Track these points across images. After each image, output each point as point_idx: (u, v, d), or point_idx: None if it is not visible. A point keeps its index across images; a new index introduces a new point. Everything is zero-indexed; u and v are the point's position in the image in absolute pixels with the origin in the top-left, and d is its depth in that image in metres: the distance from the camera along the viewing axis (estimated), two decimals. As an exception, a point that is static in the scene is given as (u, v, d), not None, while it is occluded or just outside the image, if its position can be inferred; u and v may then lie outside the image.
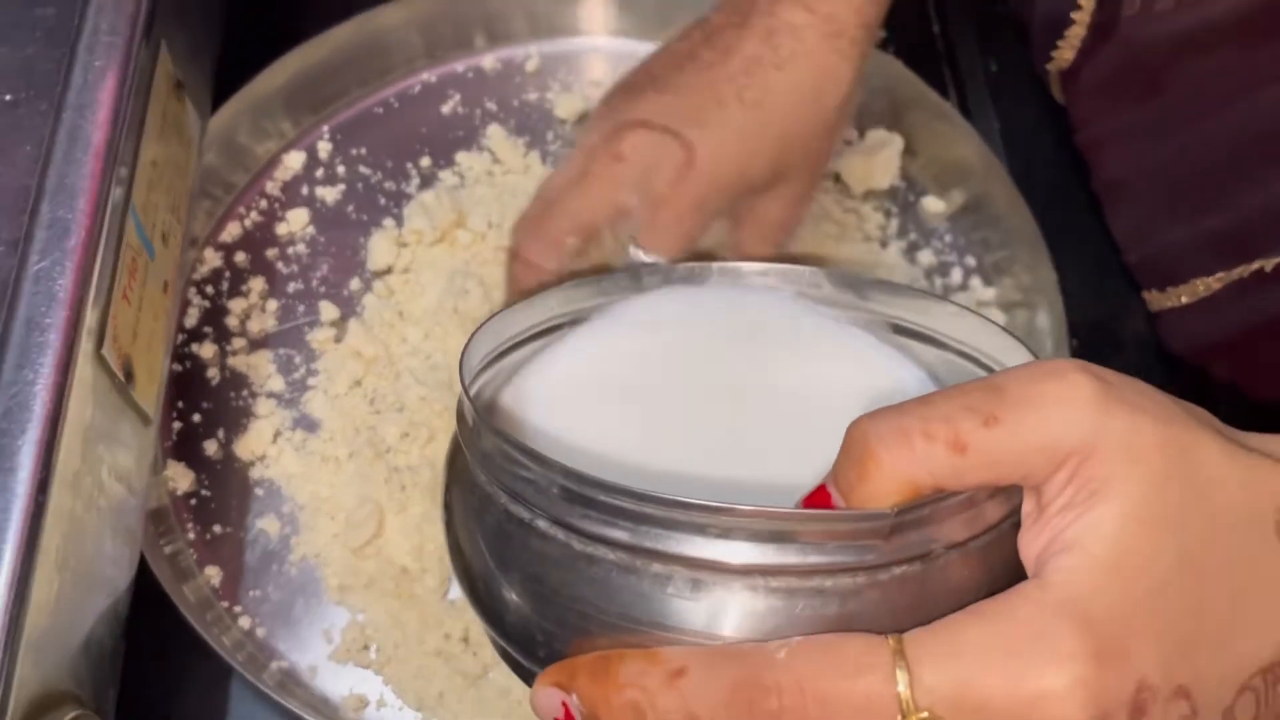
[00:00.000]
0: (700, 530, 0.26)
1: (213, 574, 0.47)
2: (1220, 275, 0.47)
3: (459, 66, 0.61)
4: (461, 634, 0.45)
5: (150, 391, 0.43)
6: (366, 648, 0.46)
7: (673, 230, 0.42)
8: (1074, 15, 0.49)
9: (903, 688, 0.24)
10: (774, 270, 0.38)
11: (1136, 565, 0.25)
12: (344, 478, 0.48)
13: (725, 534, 0.26)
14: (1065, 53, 0.50)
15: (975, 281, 0.54)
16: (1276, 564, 0.26)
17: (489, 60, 0.61)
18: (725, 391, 0.36)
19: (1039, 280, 0.52)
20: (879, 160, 0.55)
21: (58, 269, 0.38)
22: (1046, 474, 0.26)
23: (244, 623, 0.46)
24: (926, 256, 0.55)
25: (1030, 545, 0.27)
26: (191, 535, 0.48)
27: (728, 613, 0.26)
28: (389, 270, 0.53)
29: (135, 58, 0.43)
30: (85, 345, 0.38)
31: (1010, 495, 0.28)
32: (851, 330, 0.37)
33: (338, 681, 0.45)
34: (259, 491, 0.49)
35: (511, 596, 0.29)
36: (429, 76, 0.60)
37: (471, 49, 0.61)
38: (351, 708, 0.45)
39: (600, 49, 0.61)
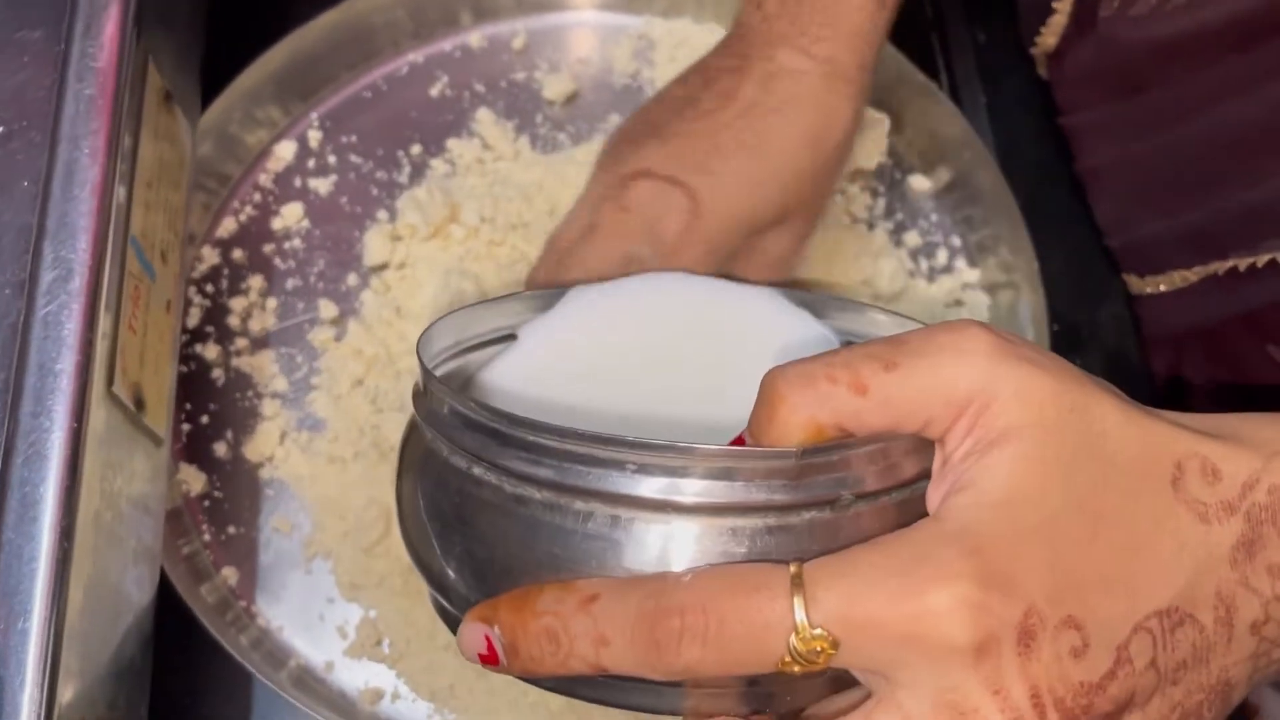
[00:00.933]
0: (617, 466, 0.28)
1: (229, 574, 0.49)
2: (1197, 269, 0.48)
3: (446, 45, 0.60)
4: (469, 628, 0.47)
5: (160, 412, 0.45)
6: (379, 643, 0.48)
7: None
8: (1056, 5, 0.49)
9: (798, 605, 0.26)
10: None
11: (1027, 501, 0.26)
12: (350, 478, 0.50)
13: (640, 469, 0.28)
14: (1048, 38, 0.51)
15: (960, 263, 0.55)
16: (1175, 517, 0.27)
17: (475, 38, 0.60)
18: (668, 365, 0.38)
19: (1020, 262, 0.53)
20: (867, 140, 0.56)
21: (65, 312, 0.39)
22: (946, 422, 0.27)
23: (262, 621, 0.49)
24: (913, 238, 0.56)
25: (934, 494, 0.28)
26: (207, 536, 0.50)
27: (643, 549, 0.28)
28: (385, 266, 0.54)
29: (125, 81, 0.44)
30: (97, 386, 0.39)
31: (923, 456, 0.29)
32: (785, 305, 0.40)
33: (354, 676, 0.48)
34: (270, 492, 0.51)
35: (450, 548, 0.32)
36: (416, 57, 0.60)
37: (458, 26, 0.61)
38: (368, 701, 0.47)
39: (587, 23, 0.61)
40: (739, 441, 0.30)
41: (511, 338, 0.41)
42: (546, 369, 0.39)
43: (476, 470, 0.31)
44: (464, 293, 0.52)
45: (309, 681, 0.48)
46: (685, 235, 0.41)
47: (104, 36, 0.44)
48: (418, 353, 0.35)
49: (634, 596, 0.27)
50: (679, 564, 0.28)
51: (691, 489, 0.28)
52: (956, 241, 0.56)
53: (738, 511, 0.28)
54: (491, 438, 0.30)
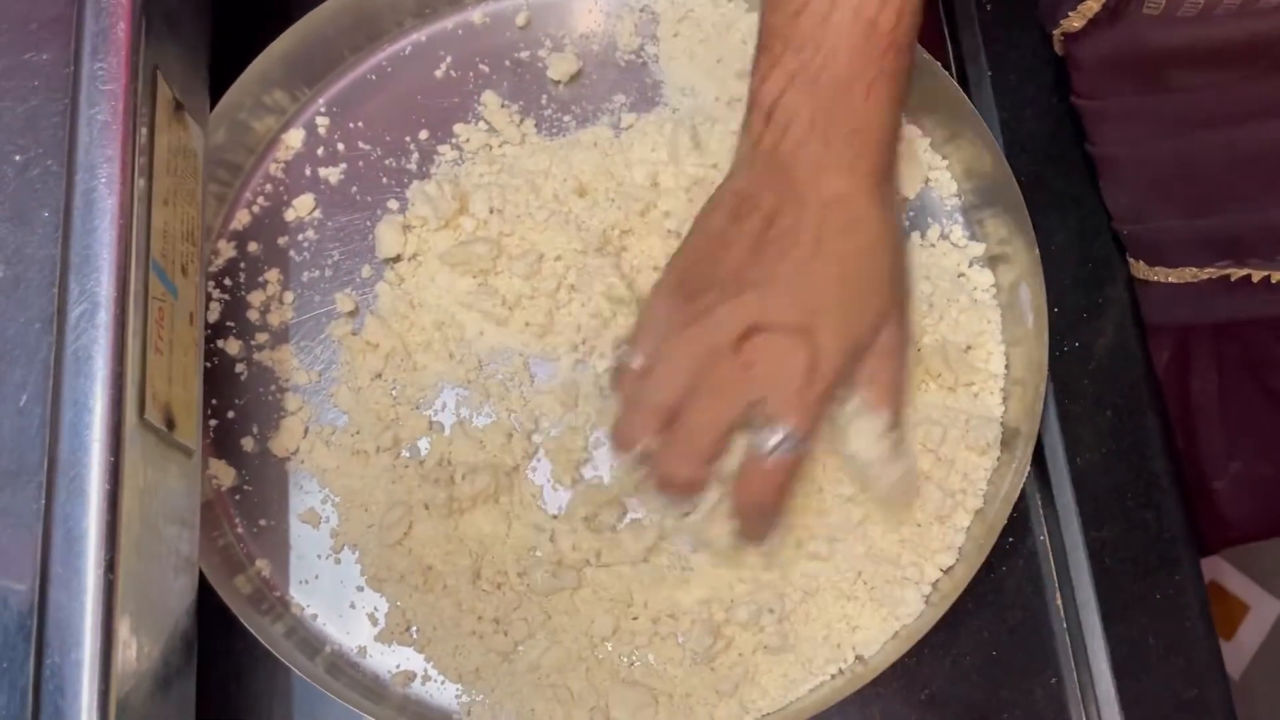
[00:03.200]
0: None
1: (263, 565, 0.52)
2: (1210, 271, 0.49)
3: (449, 23, 0.60)
4: (493, 615, 0.50)
5: (190, 425, 0.46)
6: (408, 629, 0.50)
7: (813, 412, 0.44)
8: None
9: None
10: None
11: None
12: (373, 472, 0.52)
13: None
14: (1074, 22, 0.50)
15: (962, 236, 0.56)
16: None
17: (478, 15, 0.60)
18: None
19: (1020, 246, 0.53)
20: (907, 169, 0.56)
21: (95, 347, 0.41)
22: None
23: (295, 610, 0.51)
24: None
25: None
26: (240, 529, 0.52)
27: None
28: (398, 258, 0.55)
29: (135, 100, 0.44)
30: (130, 416, 0.40)
31: None
32: None
33: (385, 660, 0.50)
34: (297, 484, 0.53)
35: None
36: (420, 36, 0.60)
37: (461, 3, 0.60)
38: (400, 683, 0.50)
39: (590, -5, 0.61)
40: None
41: None
42: None
43: None
44: (474, 286, 0.53)
45: (343, 666, 0.50)
46: (810, 378, 0.43)
47: (112, 55, 0.45)
48: None
49: None
50: None
51: None
52: (959, 217, 0.56)
53: None
54: None
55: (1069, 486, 0.51)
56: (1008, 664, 0.50)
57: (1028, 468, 0.50)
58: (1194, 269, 0.50)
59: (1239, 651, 1.03)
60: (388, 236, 0.55)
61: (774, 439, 0.44)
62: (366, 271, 0.56)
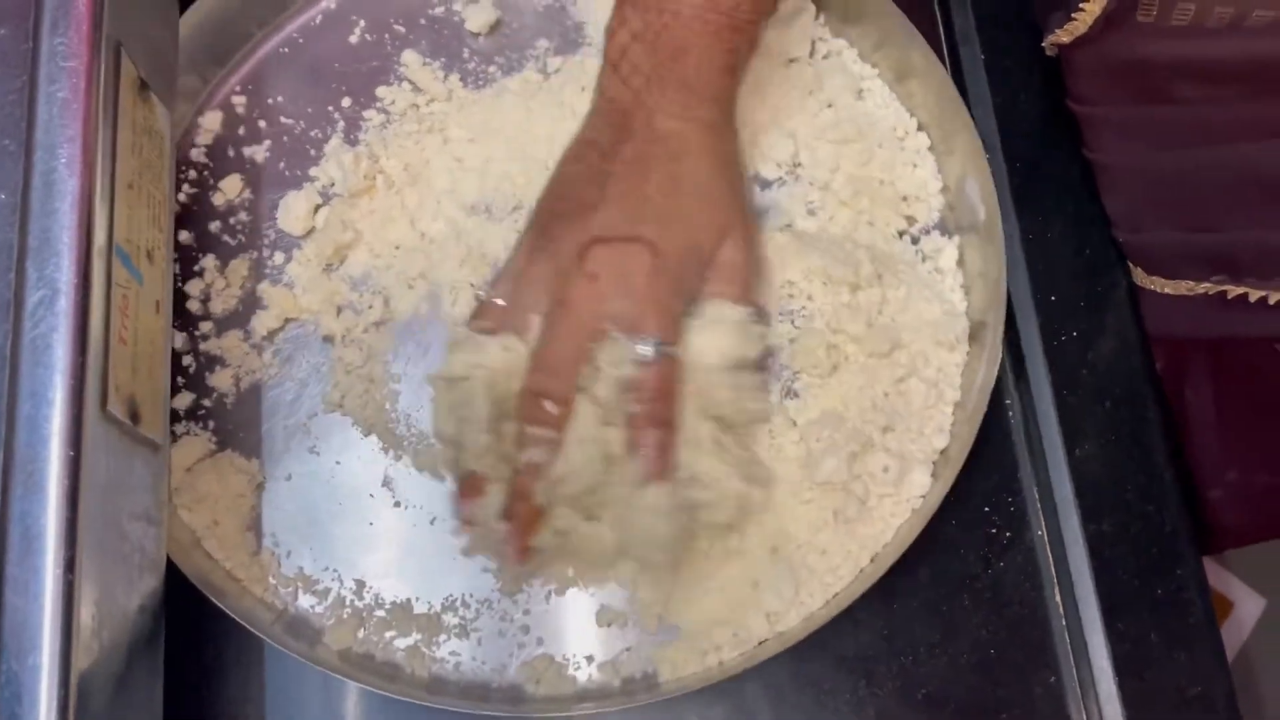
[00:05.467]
0: None
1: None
2: (1207, 285, 0.48)
3: (359, -14, 0.58)
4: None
5: (156, 419, 0.44)
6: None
7: (664, 316, 0.46)
8: (1083, 5, 0.46)
9: None
10: None
11: None
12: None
13: None
14: (1062, 37, 0.48)
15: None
16: None
17: (389, -26, 0.57)
18: None
19: (965, 142, 0.52)
20: (794, 28, 0.55)
21: (54, 335, 0.38)
22: None
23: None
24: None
25: None
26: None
27: None
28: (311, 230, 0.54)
29: (97, 79, 0.42)
30: (91, 408, 0.39)
31: None
32: None
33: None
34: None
35: None
36: (329, 4, 0.57)
37: (369, -36, 0.58)
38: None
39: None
40: None
41: None
42: None
43: None
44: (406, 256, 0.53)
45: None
46: (655, 279, 0.46)
47: (72, 30, 0.43)
48: None
49: None
50: None
51: None
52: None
53: None
54: None
55: (1067, 479, 0.49)
56: (1006, 662, 0.49)
57: (999, 356, 0.49)
58: (1190, 282, 0.49)
59: (1223, 648, 1.03)
60: (299, 209, 0.53)
61: (641, 345, 0.45)
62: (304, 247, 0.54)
